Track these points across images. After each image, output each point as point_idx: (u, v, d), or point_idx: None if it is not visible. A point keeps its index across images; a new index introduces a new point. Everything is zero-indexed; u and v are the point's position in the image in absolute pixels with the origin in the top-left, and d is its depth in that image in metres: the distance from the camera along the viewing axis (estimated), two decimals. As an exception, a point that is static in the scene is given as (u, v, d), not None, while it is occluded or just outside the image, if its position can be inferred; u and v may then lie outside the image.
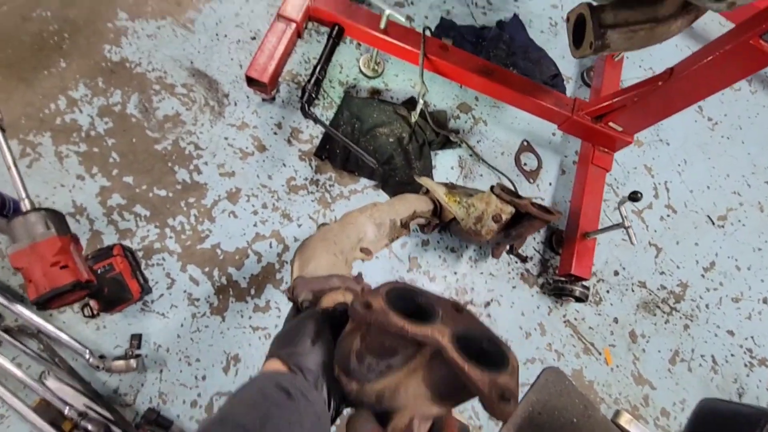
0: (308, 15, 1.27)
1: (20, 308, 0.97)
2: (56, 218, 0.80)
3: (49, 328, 0.98)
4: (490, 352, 0.41)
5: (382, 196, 1.33)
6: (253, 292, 1.17)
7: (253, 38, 1.38)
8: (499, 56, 1.51)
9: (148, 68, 1.28)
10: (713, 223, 1.61)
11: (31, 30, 1.24)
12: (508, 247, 1.30)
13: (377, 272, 1.26)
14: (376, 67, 1.44)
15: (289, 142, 1.31)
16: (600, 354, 1.36)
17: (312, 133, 1.33)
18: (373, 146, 1.34)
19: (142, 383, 1.04)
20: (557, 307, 1.37)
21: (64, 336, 0.98)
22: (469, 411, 1.19)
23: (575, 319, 1.38)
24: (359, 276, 0.73)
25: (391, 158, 1.33)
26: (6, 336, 0.97)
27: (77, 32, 1.27)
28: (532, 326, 1.33)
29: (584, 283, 1.29)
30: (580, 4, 0.91)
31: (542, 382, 1.24)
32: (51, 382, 0.95)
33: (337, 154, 1.30)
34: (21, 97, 1.17)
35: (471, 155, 1.44)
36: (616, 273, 1.46)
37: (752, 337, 1.50)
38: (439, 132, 1.40)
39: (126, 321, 1.07)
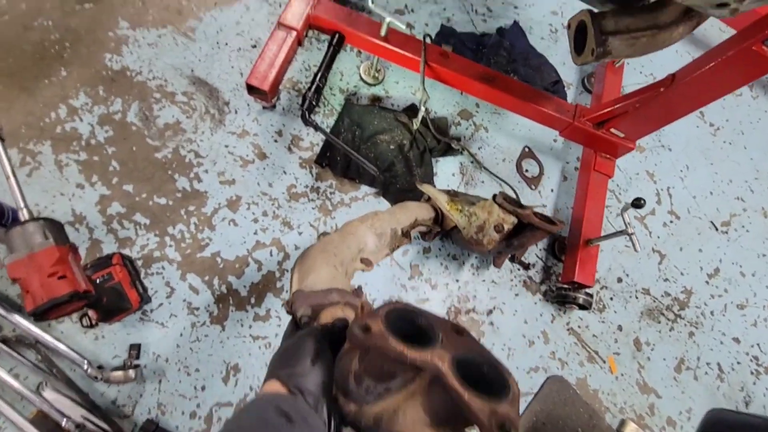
0: (309, 23, 1.27)
1: (18, 318, 0.96)
2: (55, 228, 0.80)
3: (47, 338, 0.97)
4: (490, 377, 0.40)
5: (383, 204, 1.33)
6: (253, 300, 1.16)
7: (254, 46, 1.39)
8: (500, 63, 1.51)
9: (148, 76, 1.28)
10: (717, 229, 1.60)
11: (32, 39, 1.24)
12: (509, 256, 1.29)
13: (378, 280, 1.25)
14: (376, 75, 1.44)
15: (289, 149, 1.31)
16: (604, 362, 1.34)
17: (312, 141, 1.33)
18: (374, 153, 1.33)
19: (140, 394, 1.03)
20: (560, 314, 1.36)
21: (62, 346, 0.97)
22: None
23: (579, 326, 1.36)
24: (359, 289, 0.73)
25: (392, 165, 1.33)
26: (3, 346, 0.96)
27: (78, 41, 1.27)
28: (536, 334, 1.32)
29: (587, 290, 1.28)
30: (580, 11, 0.90)
31: (546, 391, 1.22)
32: (48, 393, 0.94)
33: (338, 161, 1.30)
34: (22, 106, 1.17)
35: (472, 162, 1.44)
36: (620, 280, 1.45)
37: (758, 345, 1.48)
38: (440, 139, 1.39)
39: (125, 331, 1.06)
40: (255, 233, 1.21)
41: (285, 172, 1.28)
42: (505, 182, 1.43)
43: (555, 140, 1.55)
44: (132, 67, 1.28)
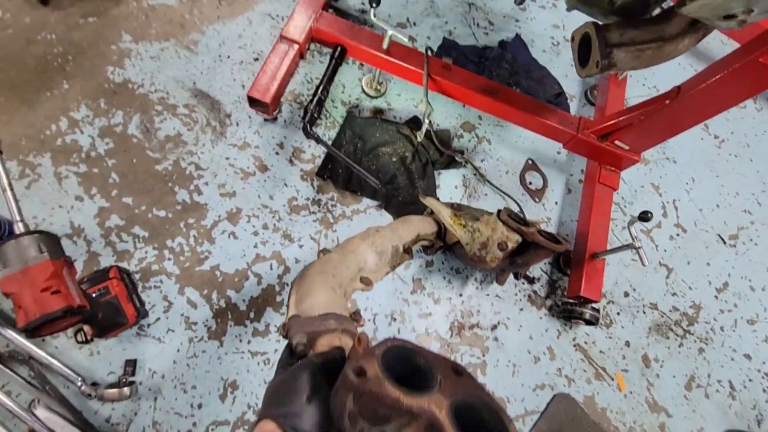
0: (311, 36, 1.27)
1: (11, 333, 0.94)
2: (50, 241, 0.78)
3: (41, 354, 0.95)
4: (490, 424, 0.38)
5: (385, 216, 1.31)
6: (252, 315, 1.14)
7: (256, 59, 1.39)
8: (502, 75, 1.51)
9: (150, 89, 1.28)
10: (724, 243, 1.58)
11: (35, 53, 1.24)
12: (513, 273, 1.27)
13: (381, 294, 1.23)
14: (378, 87, 1.43)
15: (290, 162, 1.30)
16: (612, 379, 1.30)
17: (314, 153, 1.32)
18: (376, 166, 1.32)
19: (135, 412, 1.00)
20: (566, 330, 1.32)
21: (56, 362, 0.95)
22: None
23: (585, 342, 1.33)
24: (357, 313, 0.71)
25: (394, 178, 1.32)
26: (-4, 363, 0.94)
27: (81, 54, 1.27)
28: (541, 350, 1.28)
29: (594, 305, 1.25)
30: (585, 24, 0.90)
31: (553, 409, 1.19)
32: (40, 412, 0.91)
33: (340, 173, 1.29)
34: (23, 118, 1.17)
35: (475, 175, 1.42)
36: (627, 294, 1.42)
37: (770, 362, 1.44)
38: (443, 151, 1.38)
39: (121, 346, 1.04)
40: (255, 246, 1.19)
41: (286, 185, 1.27)
42: (509, 195, 1.41)
43: (558, 152, 1.54)
44: (134, 79, 1.28)
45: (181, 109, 1.28)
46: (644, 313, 1.41)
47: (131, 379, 1.00)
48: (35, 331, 0.73)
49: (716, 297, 1.49)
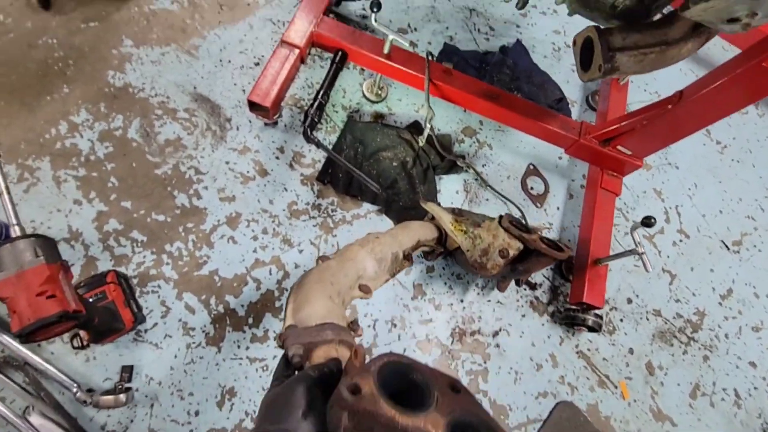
0: (312, 41, 1.27)
1: (6, 338, 0.93)
2: (47, 245, 0.77)
3: (36, 359, 0.94)
4: None
5: (386, 221, 1.30)
6: (251, 321, 1.12)
7: (257, 64, 1.39)
8: (503, 81, 1.51)
9: (150, 93, 1.28)
10: (728, 249, 1.56)
11: (36, 57, 1.24)
12: (514, 280, 1.26)
13: (381, 300, 1.21)
14: (379, 92, 1.43)
15: (291, 166, 1.29)
16: (616, 387, 1.29)
17: (314, 158, 1.32)
18: (377, 170, 1.31)
19: (131, 419, 0.99)
20: (569, 336, 1.31)
21: (51, 368, 0.94)
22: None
23: (588, 349, 1.31)
24: (355, 322, 0.70)
25: (394, 183, 1.31)
26: (-9, 368, 0.93)
27: (82, 59, 1.27)
28: (544, 357, 1.27)
29: (597, 311, 1.24)
30: (587, 27, 0.89)
31: (556, 417, 1.17)
32: (35, 419, 0.90)
33: (340, 178, 1.28)
34: (22, 122, 1.17)
35: (476, 180, 1.41)
36: (630, 301, 1.40)
37: (776, 370, 1.42)
38: (445, 156, 1.37)
39: (117, 352, 1.02)
40: (254, 251, 1.18)
41: (286, 189, 1.26)
42: (510, 201, 1.40)
43: (560, 158, 1.53)
44: (134, 84, 1.28)
45: (182, 114, 1.28)
46: (647, 319, 1.39)
47: (127, 385, 0.98)
48: (30, 336, 0.72)
49: (720, 304, 1.47)
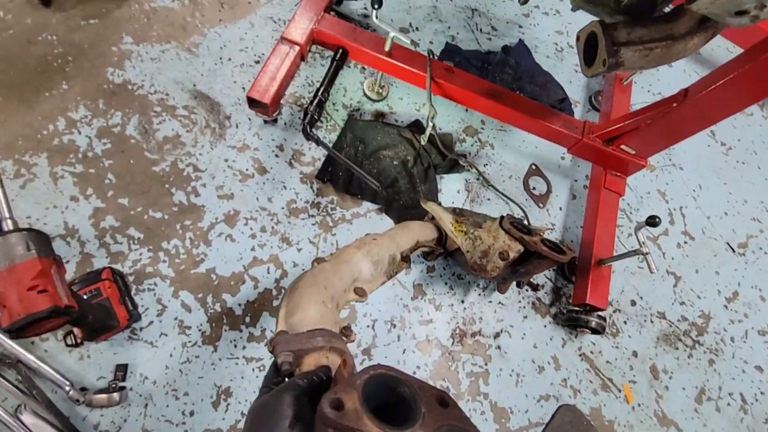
0: (312, 38, 1.26)
1: (-1, 336, 0.92)
2: (39, 239, 0.76)
3: (28, 357, 0.92)
4: None
5: (386, 220, 1.28)
6: (248, 320, 1.11)
7: (257, 62, 1.38)
8: (505, 80, 1.49)
9: (150, 90, 1.27)
10: (733, 251, 1.54)
11: (36, 53, 1.24)
12: (515, 282, 1.24)
13: (380, 300, 1.20)
14: (380, 91, 1.42)
15: (290, 164, 1.28)
16: (620, 391, 1.26)
17: (314, 156, 1.30)
18: (377, 169, 1.30)
19: (124, 419, 0.97)
20: (572, 339, 1.29)
21: (44, 366, 0.92)
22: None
23: (591, 352, 1.29)
24: (347, 328, 0.69)
25: (395, 181, 1.29)
26: (-18, 366, 0.91)
27: (82, 55, 1.26)
28: (546, 360, 1.24)
29: (600, 313, 1.21)
30: (590, 22, 0.88)
31: (558, 421, 1.14)
32: (26, 417, 0.88)
33: (340, 176, 1.27)
34: (20, 118, 1.16)
35: (478, 179, 1.40)
36: (634, 303, 1.38)
37: (783, 374, 1.40)
38: (446, 155, 1.36)
39: (112, 350, 1.01)
40: (252, 249, 1.17)
41: (285, 187, 1.25)
42: (512, 200, 1.38)
43: (563, 157, 1.51)
44: (134, 80, 1.27)
45: (181, 111, 1.27)
46: (652, 322, 1.37)
47: (121, 384, 0.97)
48: (20, 331, 0.70)
49: (726, 307, 1.45)
